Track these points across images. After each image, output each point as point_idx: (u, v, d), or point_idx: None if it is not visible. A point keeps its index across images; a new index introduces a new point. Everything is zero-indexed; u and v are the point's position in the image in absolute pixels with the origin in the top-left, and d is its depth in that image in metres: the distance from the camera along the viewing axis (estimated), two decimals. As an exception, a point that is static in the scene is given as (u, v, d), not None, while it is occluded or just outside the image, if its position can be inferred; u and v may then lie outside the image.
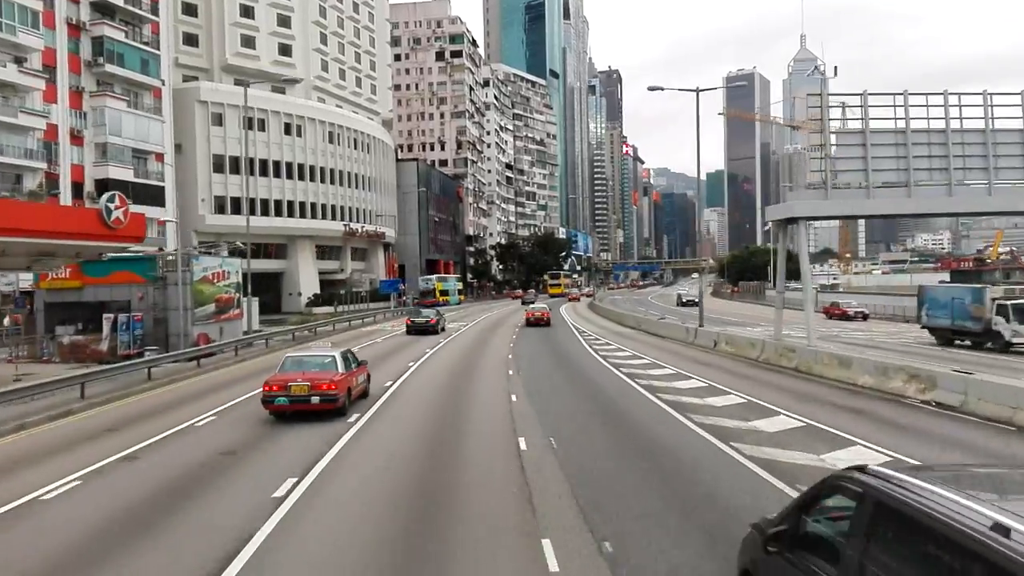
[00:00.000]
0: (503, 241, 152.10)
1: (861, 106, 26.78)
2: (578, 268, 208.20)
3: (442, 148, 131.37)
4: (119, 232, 24.28)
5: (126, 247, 27.77)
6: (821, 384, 22.26)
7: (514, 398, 19.20)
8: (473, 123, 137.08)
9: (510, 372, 24.74)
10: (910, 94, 26.94)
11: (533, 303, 66.14)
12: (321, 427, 15.42)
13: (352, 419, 16.26)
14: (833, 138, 26.66)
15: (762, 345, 28.01)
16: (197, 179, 71.90)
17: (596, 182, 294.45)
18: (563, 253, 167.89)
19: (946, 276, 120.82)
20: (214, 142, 72.64)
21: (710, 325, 41.10)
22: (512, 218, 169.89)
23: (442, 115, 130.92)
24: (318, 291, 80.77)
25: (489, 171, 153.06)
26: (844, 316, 56.79)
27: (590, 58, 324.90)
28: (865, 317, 56.56)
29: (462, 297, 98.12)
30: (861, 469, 4.76)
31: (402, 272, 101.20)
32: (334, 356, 17.56)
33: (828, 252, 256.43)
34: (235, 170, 73.77)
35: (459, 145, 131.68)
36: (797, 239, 30.96)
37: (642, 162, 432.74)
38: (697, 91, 35.28)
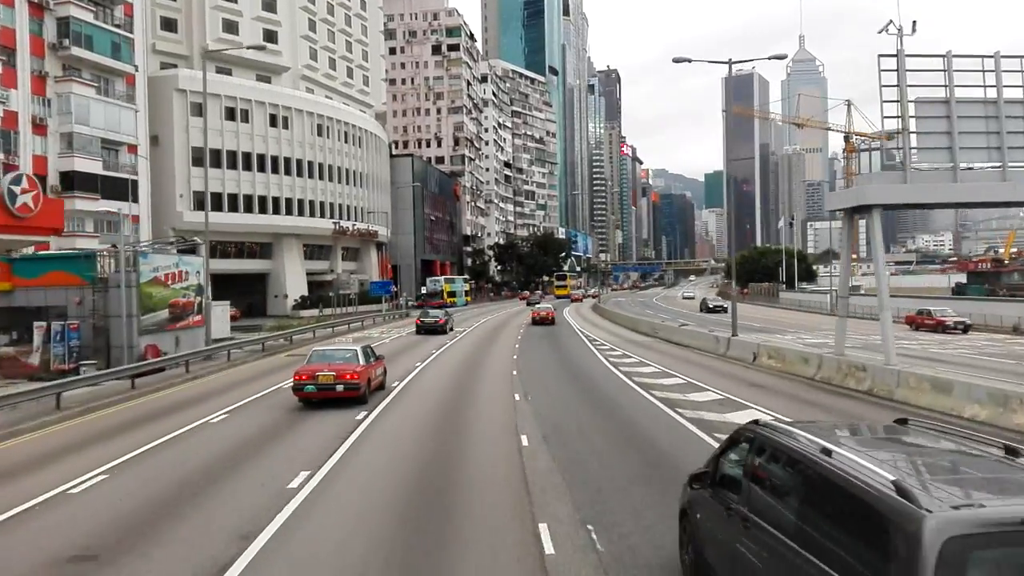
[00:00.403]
0: (501, 241, 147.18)
1: (944, 71, 21.85)
2: (577, 269, 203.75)
3: (438, 145, 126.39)
4: (28, 222, 19.44)
5: (36, 240, 22.73)
6: (910, 414, 17.34)
7: (525, 441, 14.16)
8: (471, 119, 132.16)
9: (517, 397, 19.75)
10: (1002, 57, 22.04)
11: (538, 303, 69.27)
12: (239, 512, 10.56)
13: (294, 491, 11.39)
14: (912, 109, 21.64)
15: (819, 360, 23.07)
16: (175, 173, 66.85)
17: (595, 182, 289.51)
18: (563, 254, 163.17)
19: (962, 278, 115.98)
20: (193, 133, 67.55)
21: (724, 331, 36.32)
22: (511, 218, 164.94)
23: (438, 111, 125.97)
24: (306, 293, 75.75)
25: (487, 169, 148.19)
26: (940, 327, 44.04)
27: (589, 57, 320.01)
28: (966, 329, 44.26)
29: (468, 299, 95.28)
30: (756, 422, 6.44)
31: (396, 273, 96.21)
32: (356, 350, 19.25)
33: (831, 253, 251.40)
34: (216, 164, 68.81)
35: (456, 142, 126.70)
36: (843, 231, 25.96)
37: (640, 162, 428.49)
38: (729, 63, 30.42)
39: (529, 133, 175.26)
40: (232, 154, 69.84)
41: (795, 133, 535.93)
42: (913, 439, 5.65)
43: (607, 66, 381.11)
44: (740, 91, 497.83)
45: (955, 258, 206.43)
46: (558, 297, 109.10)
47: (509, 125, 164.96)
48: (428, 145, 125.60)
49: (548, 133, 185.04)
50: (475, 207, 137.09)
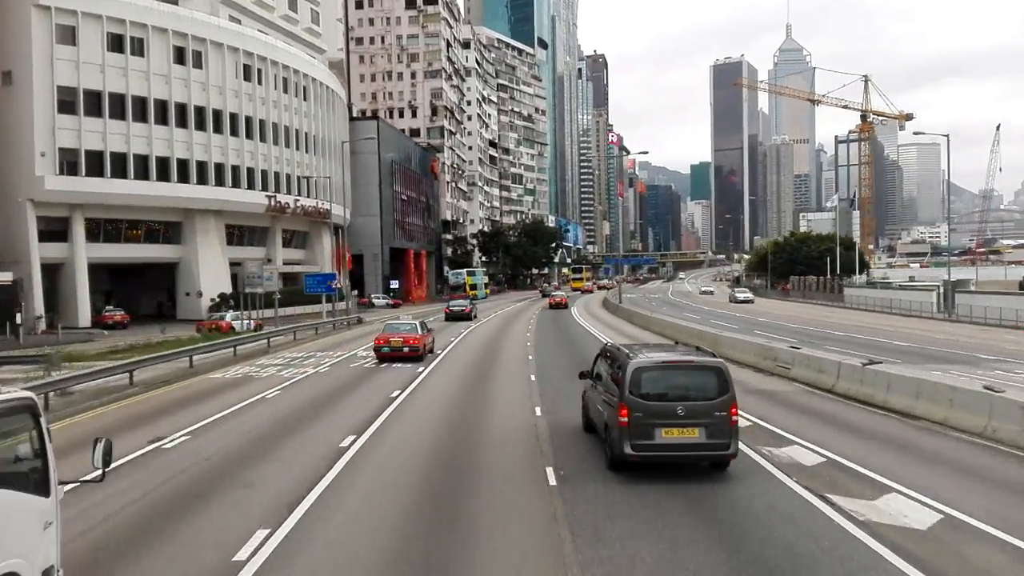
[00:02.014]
0: (486, 228, 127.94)
1: None
2: (568, 261, 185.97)
3: (413, 114, 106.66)
4: None
5: None
6: None
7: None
8: (451, 86, 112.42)
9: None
10: None
11: (552, 293, 74.69)
12: None
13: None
14: None
15: None
16: (34, 123, 46.88)
17: (582, 170, 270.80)
18: (553, 244, 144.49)
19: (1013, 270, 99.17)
20: (62, 68, 47.60)
21: (808, 346, 17.62)
22: (496, 203, 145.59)
23: (413, 75, 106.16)
24: (229, 289, 56.13)
25: (470, 147, 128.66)
26: None
27: (578, 43, 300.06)
28: None
29: (488, 291, 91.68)
30: (605, 345, 14.16)
31: (359, 263, 76.73)
32: (416, 324, 26.92)
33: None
34: (95, 111, 48.95)
35: (434, 111, 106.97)
36: None
37: (627, 151, 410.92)
38: None
39: (516, 110, 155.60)
40: (119, 98, 49.92)
41: (782, 124, 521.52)
42: (665, 349, 14.73)
43: (594, 51, 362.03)
44: (729, 79, 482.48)
45: (979, 249, 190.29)
46: (573, 289, 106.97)
47: (495, 100, 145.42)
48: (401, 115, 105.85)
49: (537, 111, 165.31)
50: (456, 189, 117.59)
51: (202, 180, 54.03)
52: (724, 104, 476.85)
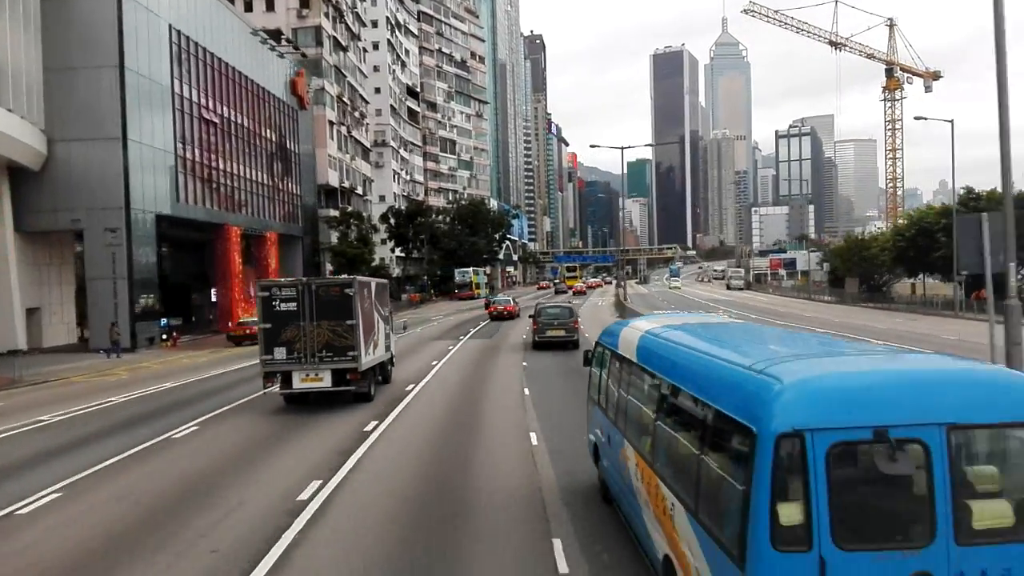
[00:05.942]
0: (403, 208, 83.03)
1: None
2: (514, 258, 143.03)
3: (269, 6, 60.84)
4: None
5: None
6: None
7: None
8: (337, -29, 66.84)
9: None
10: None
11: (575, 285, 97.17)
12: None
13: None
14: None
15: None
16: None
17: (526, 160, 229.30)
18: (498, 234, 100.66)
19: None
20: None
21: None
22: (419, 176, 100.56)
23: (268, -62, 60.31)
24: None
25: (378, 89, 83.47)
26: None
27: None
28: None
29: (486, 290, 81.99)
30: (537, 306, 33.29)
31: (73, 259, 30.90)
32: (509, 299, 49.79)
33: (806, 239, 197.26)
34: None
35: (303, 1, 61.35)
36: None
37: (567, 144, 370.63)
38: None
39: (446, 51, 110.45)
40: None
41: (720, 120, 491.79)
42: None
43: (531, 31, 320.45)
44: (670, 69, 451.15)
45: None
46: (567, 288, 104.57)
47: (415, 32, 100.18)
48: (249, 7, 59.83)
49: (474, 55, 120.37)
50: (351, 140, 71.91)
51: None
52: (665, 97, 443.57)
